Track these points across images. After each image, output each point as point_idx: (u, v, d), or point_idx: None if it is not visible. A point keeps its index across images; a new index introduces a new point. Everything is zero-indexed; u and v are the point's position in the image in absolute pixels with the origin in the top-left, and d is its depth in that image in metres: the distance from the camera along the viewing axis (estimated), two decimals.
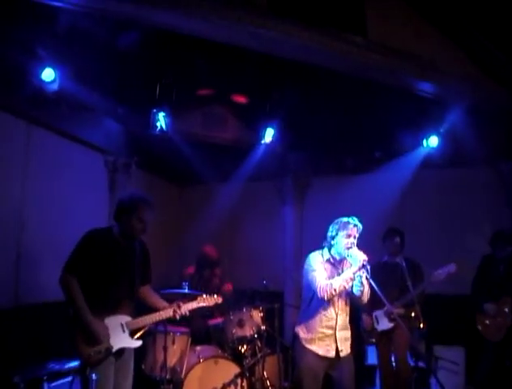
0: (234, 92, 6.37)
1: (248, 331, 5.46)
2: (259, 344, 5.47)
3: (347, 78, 5.38)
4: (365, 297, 4.18)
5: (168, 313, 4.14)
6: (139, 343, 4.00)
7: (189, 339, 5.37)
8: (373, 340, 5.65)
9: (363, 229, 4.10)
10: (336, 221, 4.15)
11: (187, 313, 4.23)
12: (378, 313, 5.56)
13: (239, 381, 5.03)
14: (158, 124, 6.03)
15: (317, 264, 4.12)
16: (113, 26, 4.57)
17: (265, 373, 5.42)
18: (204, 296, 4.52)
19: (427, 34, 5.33)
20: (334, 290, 3.93)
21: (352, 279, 3.98)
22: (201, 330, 5.71)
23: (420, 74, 5.33)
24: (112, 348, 3.75)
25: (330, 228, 4.16)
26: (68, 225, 5.69)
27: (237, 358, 5.36)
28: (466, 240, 6.82)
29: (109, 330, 3.78)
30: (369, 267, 3.88)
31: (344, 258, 4.14)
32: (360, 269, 3.89)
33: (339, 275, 4.06)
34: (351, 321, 4.32)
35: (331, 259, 4.18)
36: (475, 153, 6.50)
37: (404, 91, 5.62)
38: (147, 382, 5.13)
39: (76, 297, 3.71)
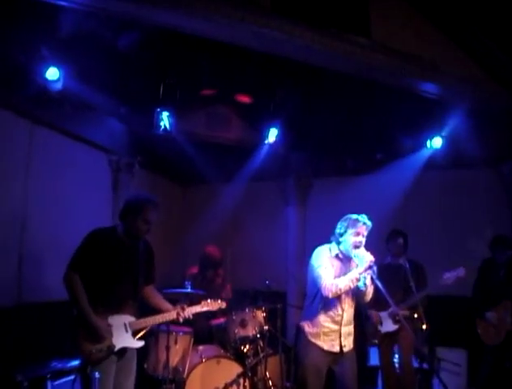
0: (238, 92, 6.37)
1: (250, 331, 5.46)
2: (261, 344, 5.47)
3: (350, 78, 5.38)
4: (368, 297, 4.17)
5: (171, 315, 4.15)
6: (141, 343, 4.00)
7: (192, 339, 5.38)
8: (376, 342, 5.63)
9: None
10: (345, 218, 4.11)
11: (190, 316, 4.25)
12: (382, 314, 5.53)
13: (241, 381, 5.03)
14: (161, 124, 6.04)
15: (324, 260, 4.09)
16: (116, 26, 4.58)
17: (267, 373, 5.42)
18: (208, 300, 4.53)
19: (429, 35, 5.33)
20: (340, 290, 3.92)
21: (358, 280, 3.95)
22: (203, 330, 5.71)
23: (423, 74, 5.33)
24: (114, 346, 3.76)
25: (339, 225, 4.13)
26: (71, 225, 5.70)
27: (240, 358, 5.36)
28: (468, 241, 6.81)
29: (112, 329, 3.79)
30: (375, 268, 3.86)
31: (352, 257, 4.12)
32: (366, 270, 3.87)
33: (345, 273, 4.04)
34: (354, 318, 4.32)
35: (340, 255, 4.15)
36: (476, 155, 6.50)
37: (407, 92, 5.62)
38: (149, 382, 5.13)
39: (79, 295, 3.72)
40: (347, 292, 4.11)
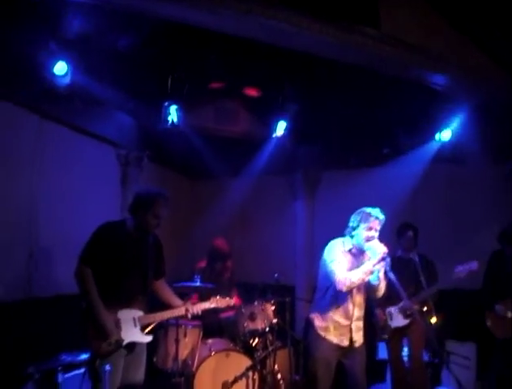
0: (246, 86, 6.36)
1: (259, 325, 5.47)
2: (270, 338, 5.48)
3: (358, 71, 5.34)
4: (381, 292, 4.16)
5: (180, 311, 4.17)
6: (149, 338, 4.02)
7: (201, 332, 5.39)
8: (386, 337, 5.56)
9: None
10: (359, 211, 4.11)
11: (199, 312, 4.26)
12: (392, 309, 5.49)
13: (250, 374, 5.04)
14: (169, 118, 6.03)
15: (337, 254, 4.09)
16: (122, 20, 4.58)
17: (276, 366, 5.43)
18: (217, 297, 4.54)
19: (438, 26, 5.28)
20: (353, 283, 3.91)
21: (372, 272, 3.94)
22: (213, 323, 5.72)
23: (432, 66, 5.28)
24: (122, 340, 3.77)
25: (352, 219, 4.13)
26: (79, 219, 5.72)
27: (249, 351, 5.38)
28: (478, 235, 6.78)
29: (121, 323, 3.81)
30: (389, 260, 3.85)
31: (365, 250, 4.10)
32: (379, 261, 3.86)
33: (358, 266, 4.03)
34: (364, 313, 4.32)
35: (353, 249, 4.15)
36: (483, 148, 6.46)
37: (416, 84, 5.58)
38: (158, 375, 5.16)
39: (90, 288, 3.74)
40: (359, 287, 4.10)
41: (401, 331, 5.49)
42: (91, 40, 4.80)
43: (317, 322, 4.19)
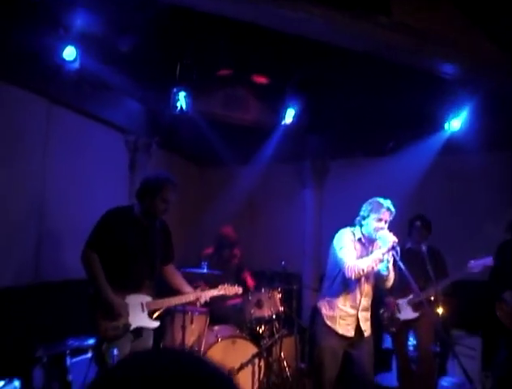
0: (255, 73, 6.33)
1: (266, 312, 5.49)
2: (277, 325, 5.50)
3: (368, 59, 5.31)
4: (390, 282, 4.16)
5: (188, 297, 4.17)
6: (157, 324, 4.03)
7: (208, 319, 5.41)
8: (394, 330, 5.47)
9: None
10: (370, 201, 4.10)
11: (207, 300, 4.27)
12: (401, 301, 5.42)
13: (256, 361, 5.07)
14: (178, 104, 6.03)
15: (347, 242, 4.09)
16: (133, 4, 4.56)
17: (282, 353, 5.45)
18: (225, 285, 4.54)
19: (450, 15, 5.22)
20: (362, 270, 3.91)
21: (381, 261, 3.94)
22: (219, 310, 5.75)
23: (443, 55, 5.24)
24: (130, 325, 3.79)
25: (363, 208, 4.12)
26: (88, 204, 5.73)
27: (255, 338, 5.40)
28: (485, 225, 6.74)
29: (129, 308, 3.82)
30: (398, 249, 3.84)
31: (375, 239, 4.09)
32: (389, 250, 3.86)
33: (367, 256, 4.03)
34: (371, 304, 4.31)
35: (363, 239, 4.14)
36: (494, 139, 6.41)
37: (426, 73, 5.53)
38: None
39: (97, 272, 3.75)
40: (367, 277, 4.11)
41: (409, 324, 5.43)
42: (101, 24, 4.79)
43: (325, 310, 4.20)
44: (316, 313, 4.30)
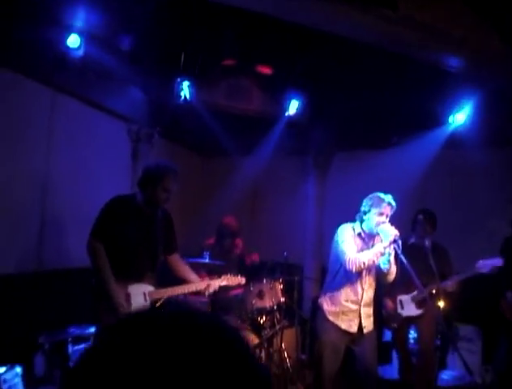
0: (259, 63, 6.31)
1: (267, 303, 5.49)
2: (278, 316, 5.51)
3: (373, 51, 5.28)
4: (392, 276, 4.16)
5: (198, 286, 4.17)
6: None
7: (209, 309, 5.42)
8: (395, 325, 5.37)
9: None
10: (371, 196, 4.10)
11: (216, 289, 4.27)
12: (404, 298, 5.32)
13: (257, 351, 5.08)
14: (182, 94, 6.01)
15: (347, 236, 4.10)
16: None
17: (283, 344, 5.46)
18: (228, 275, 4.54)
19: (457, 9, 5.19)
20: (363, 263, 3.91)
21: (382, 254, 3.94)
22: (221, 300, 5.76)
23: (449, 49, 5.22)
24: None
25: (364, 203, 4.11)
26: (91, 193, 5.73)
27: (256, 329, 5.41)
28: (488, 221, 6.74)
29: (131, 297, 3.83)
30: (400, 243, 3.84)
31: (375, 235, 4.09)
32: (390, 244, 3.86)
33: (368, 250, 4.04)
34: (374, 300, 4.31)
35: (362, 234, 4.15)
36: (496, 135, 6.40)
37: (432, 67, 5.51)
38: None
39: (102, 263, 3.75)
40: (369, 271, 4.11)
41: (410, 320, 5.37)
42: (104, 12, 4.77)
43: (326, 306, 4.21)
44: (317, 308, 4.31)
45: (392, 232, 3.85)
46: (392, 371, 5.88)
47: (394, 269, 4.11)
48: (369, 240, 4.16)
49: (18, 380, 4.30)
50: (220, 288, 4.49)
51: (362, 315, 4.16)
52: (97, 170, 6.19)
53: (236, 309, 5.75)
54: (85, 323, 4.80)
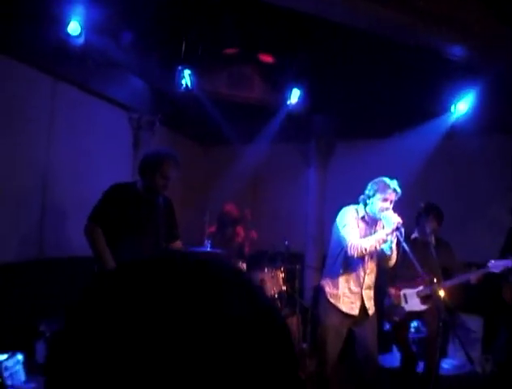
0: (260, 51, 6.27)
1: (269, 291, 5.49)
2: (279, 305, 5.51)
3: (375, 40, 5.25)
4: (392, 261, 4.15)
5: None
6: None
7: None
8: (397, 319, 5.19)
9: None
10: (376, 181, 4.07)
11: None
12: (409, 291, 5.14)
13: None
14: (183, 82, 5.99)
15: (351, 220, 4.08)
16: None
17: None
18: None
19: None
20: (365, 249, 3.90)
21: (385, 241, 3.93)
22: None
23: (452, 37, 5.18)
24: None
25: (369, 187, 4.08)
26: (92, 181, 5.72)
27: None
28: (489, 208, 6.74)
29: None
30: (402, 230, 3.83)
31: (379, 219, 4.08)
32: (393, 231, 3.86)
33: (370, 234, 4.03)
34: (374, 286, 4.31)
35: (366, 217, 4.13)
36: (496, 122, 6.37)
37: (434, 55, 5.48)
38: None
39: (102, 247, 3.75)
40: (371, 255, 4.10)
41: (413, 314, 5.24)
42: (105, 1, 4.75)
43: (328, 288, 4.20)
44: (319, 291, 4.31)
45: (395, 219, 3.85)
46: (392, 360, 5.88)
47: (395, 255, 4.11)
48: (372, 224, 4.15)
49: (19, 367, 4.32)
50: None
51: (364, 297, 4.16)
52: (98, 158, 6.18)
53: None
54: None
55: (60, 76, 5.59)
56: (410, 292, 5.17)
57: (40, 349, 4.69)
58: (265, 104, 7.05)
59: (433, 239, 5.00)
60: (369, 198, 4.06)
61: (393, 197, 3.98)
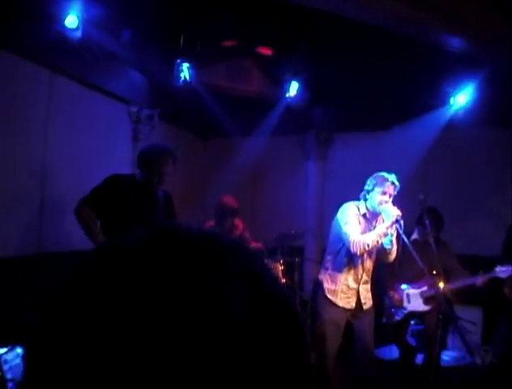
0: (259, 44, 6.26)
1: None
2: None
3: (374, 31, 5.23)
4: (392, 257, 4.17)
5: None
6: None
7: None
8: (398, 319, 5.11)
9: None
10: (375, 175, 4.10)
11: None
12: (412, 292, 5.08)
13: None
14: (182, 75, 5.97)
15: (352, 216, 4.09)
16: None
17: None
18: None
19: None
20: (368, 245, 3.91)
21: (386, 235, 3.95)
22: None
23: (452, 29, 5.16)
24: None
25: (368, 182, 4.11)
26: (91, 175, 5.69)
27: None
28: (490, 202, 6.73)
29: None
30: (402, 223, 3.85)
31: (378, 214, 4.10)
32: (393, 224, 3.88)
33: (371, 230, 4.05)
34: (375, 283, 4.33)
35: (367, 214, 4.15)
36: (499, 114, 6.36)
37: (434, 48, 5.46)
38: None
39: (89, 223, 3.77)
40: (370, 253, 4.12)
41: (414, 314, 5.19)
42: None
43: (326, 284, 4.22)
44: (317, 286, 4.33)
45: (394, 212, 3.86)
46: (391, 352, 5.89)
47: (395, 249, 4.12)
48: (372, 219, 4.16)
49: (19, 361, 4.32)
50: None
51: (361, 292, 4.19)
52: (97, 152, 6.16)
53: None
54: None
55: (58, 70, 5.55)
56: (413, 293, 5.09)
57: None
58: (263, 96, 7.04)
59: (433, 240, 4.97)
60: (368, 192, 4.08)
61: (391, 190, 4.00)
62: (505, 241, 5.71)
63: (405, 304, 5.09)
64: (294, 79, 6.56)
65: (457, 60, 5.71)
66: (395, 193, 4.05)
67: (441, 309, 4.08)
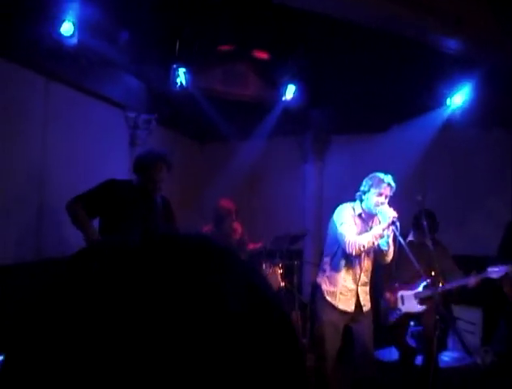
0: (255, 48, 6.26)
1: None
2: None
3: (370, 33, 5.25)
4: (389, 258, 4.17)
5: None
6: None
7: None
8: (393, 321, 5.14)
9: None
10: (371, 176, 4.09)
11: None
12: (406, 293, 5.09)
13: None
14: (178, 80, 5.98)
15: (347, 217, 4.09)
16: None
17: None
18: None
19: None
20: (363, 246, 3.91)
21: (382, 236, 3.95)
22: None
23: (447, 30, 5.18)
24: None
25: (364, 183, 4.11)
26: (89, 180, 5.70)
27: None
28: (488, 201, 6.74)
29: None
30: (398, 224, 3.85)
31: (374, 215, 4.09)
32: (389, 226, 3.87)
33: (367, 231, 4.05)
34: (373, 285, 4.32)
35: (363, 214, 4.14)
36: (497, 114, 6.37)
37: (429, 48, 5.48)
38: None
39: (82, 218, 3.78)
40: (368, 253, 4.11)
41: (410, 316, 5.19)
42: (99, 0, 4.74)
43: (325, 286, 4.21)
44: (316, 289, 4.32)
45: (391, 213, 3.86)
46: (390, 353, 5.88)
47: (392, 250, 4.12)
48: (368, 220, 4.16)
49: None
50: None
51: (360, 293, 4.18)
52: (95, 158, 6.17)
53: None
54: None
55: (54, 76, 5.56)
56: (407, 294, 5.10)
57: None
58: (260, 100, 7.05)
59: (430, 242, 4.97)
60: (364, 193, 4.08)
61: (388, 191, 4.00)
62: (502, 238, 5.71)
63: (399, 305, 5.11)
64: (291, 82, 6.56)
65: (453, 61, 5.72)
66: (392, 194, 4.05)
67: (438, 309, 4.07)
